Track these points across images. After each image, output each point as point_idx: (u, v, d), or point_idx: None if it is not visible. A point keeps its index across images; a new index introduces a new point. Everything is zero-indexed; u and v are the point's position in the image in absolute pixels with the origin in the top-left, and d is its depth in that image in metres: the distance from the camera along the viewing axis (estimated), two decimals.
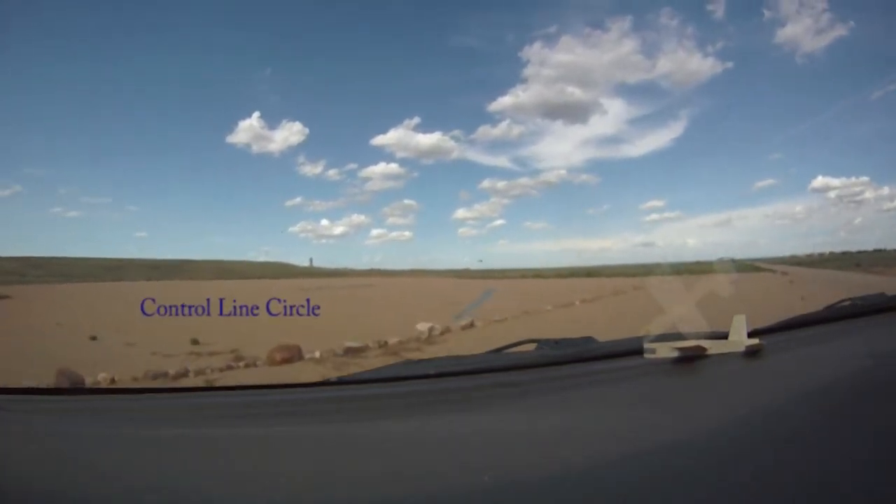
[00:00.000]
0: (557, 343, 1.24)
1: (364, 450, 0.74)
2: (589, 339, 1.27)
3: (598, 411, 0.86)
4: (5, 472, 0.67)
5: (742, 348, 0.99)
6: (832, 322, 1.26)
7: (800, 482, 0.57)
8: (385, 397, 1.00)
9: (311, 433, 0.82)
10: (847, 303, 1.34)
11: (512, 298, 15.60)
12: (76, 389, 1.10)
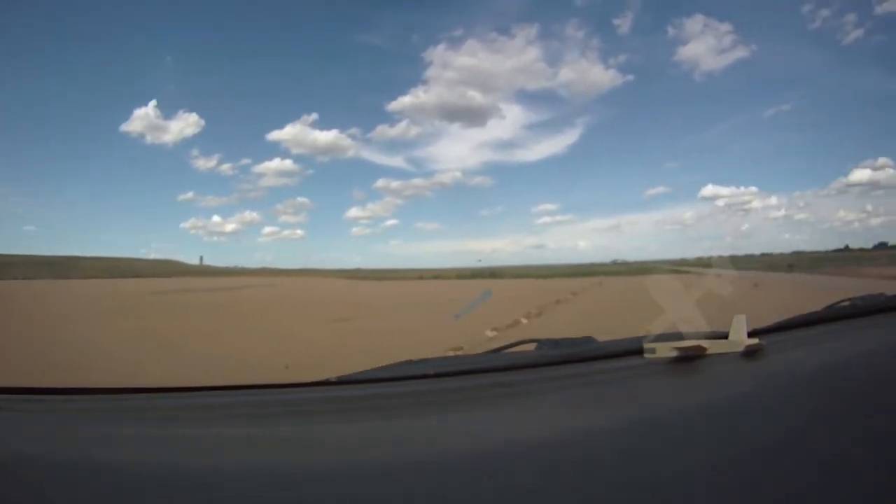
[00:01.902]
0: (557, 343, 1.24)
1: (364, 450, 0.74)
2: (589, 339, 1.27)
3: (598, 411, 0.86)
4: (5, 472, 0.67)
5: (742, 348, 0.99)
6: (832, 322, 1.26)
7: (800, 482, 0.57)
8: (385, 397, 1.00)
9: (311, 433, 0.82)
10: (847, 303, 1.34)
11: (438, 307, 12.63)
12: (76, 389, 1.10)
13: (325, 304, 14.60)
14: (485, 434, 0.78)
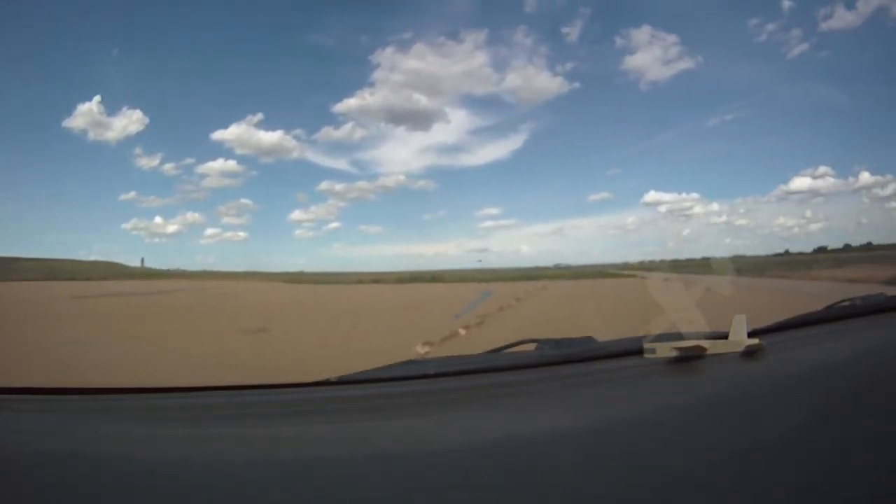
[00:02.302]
0: (557, 343, 1.24)
1: (364, 450, 0.74)
2: (589, 339, 1.27)
3: (598, 411, 0.86)
4: (5, 472, 0.67)
5: (742, 348, 0.99)
6: (832, 322, 1.26)
7: (800, 481, 0.57)
8: (385, 397, 1.00)
9: (311, 433, 0.82)
10: (847, 303, 1.34)
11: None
12: (76, 389, 1.09)
13: (246, 312, 13.27)
14: (485, 434, 0.78)
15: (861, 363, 0.92)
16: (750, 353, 0.99)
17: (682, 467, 0.62)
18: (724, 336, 1.04)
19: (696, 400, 0.88)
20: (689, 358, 0.99)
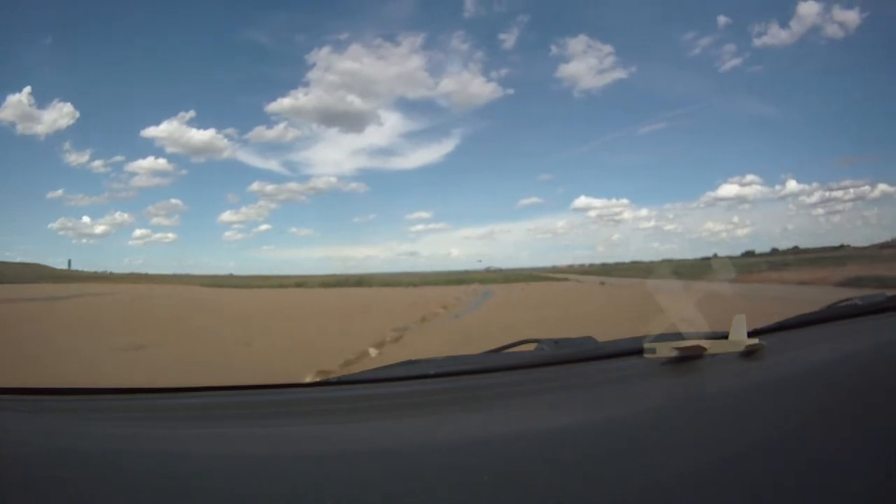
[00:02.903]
0: (557, 343, 1.23)
1: (364, 450, 0.74)
2: (589, 339, 1.27)
3: (598, 411, 0.86)
4: (5, 472, 0.67)
5: (742, 348, 0.99)
6: (832, 322, 1.26)
7: (800, 481, 0.57)
8: (385, 397, 1.00)
9: (311, 433, 0.82)
10: (847, 303, 1.34)
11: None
12: (76, 389, 1.09)
13: (134, 324, 11.41)
14: (485, 434, 0.78)
15: (861, 363, 0.92)
16: (750, 353, 0.99)
17: (682, 467, 0.62)
18: (724, 336, 1.04)
19: (696, 400, 0.88)
20: (689, 358, 0.99)
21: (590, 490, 0.59)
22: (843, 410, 0.72)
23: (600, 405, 0.88)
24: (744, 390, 0.88)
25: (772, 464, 0.60)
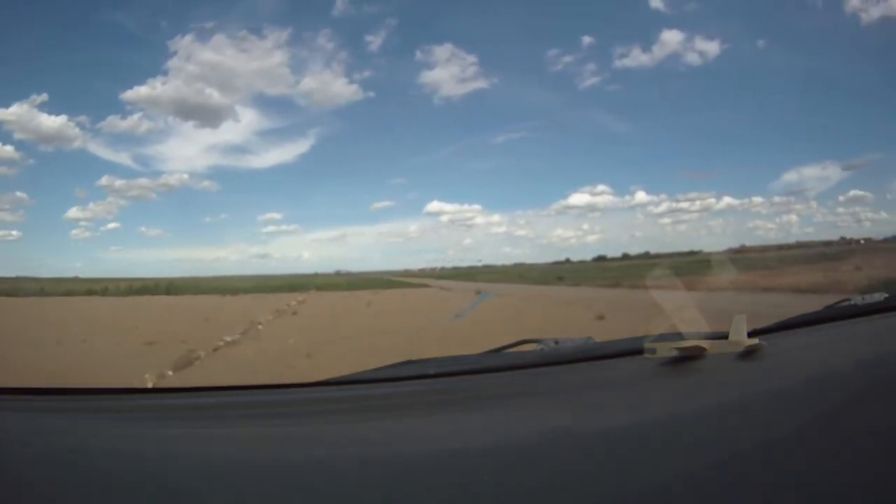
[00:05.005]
0: (557, 343, 1.23)
1: (364, 449, 0.74)
2: (589, 339, 1.27)
3: (598, 411, 0.86)
4: (5, 472, 0.67)
5: (742, 348, 0.99)
6: (832, 322, 1.26)
7: (800, 481, 0.57)
8: (385, 397, 1.00)
9: (311, 433, 0.82)
10: (847, 303, 1.34)
11: None
12: (76, 389, 1.10)
13: None
14: (485, 434, 0.78)
15: (861, 363, 0.92)
16: (750, 353, 0.99)
17: (682, 467, 0.62)
18: (724, 336, 1.04)
19: (696, 400, 0.88)
20: (689, 358, 0.99)
21: (590, 490, 0.59)
22: (843, 410, 0.73)
23: (600, 405, 0.88)
24: (744, 390, 0.88)
25: (772, 463, 0.60)
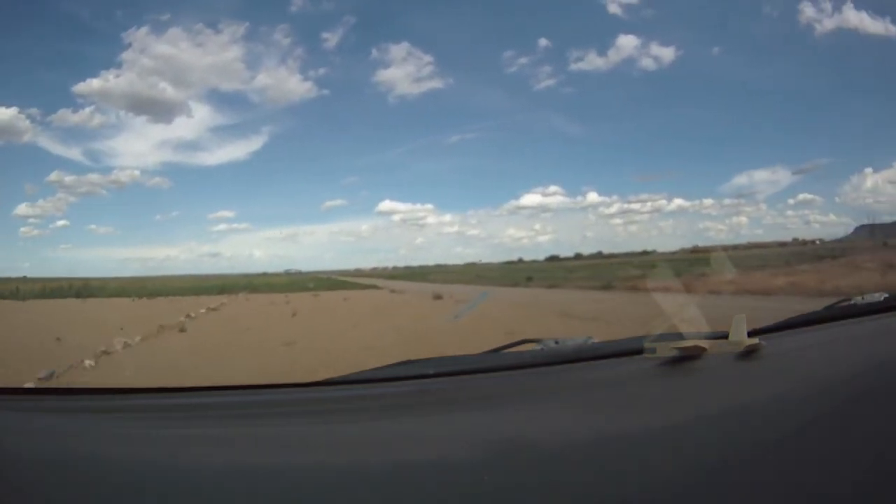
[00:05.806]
0: (557, 343, 1.23)
1: (364, 450, 0.74)
2: (589, 339, 1.27)
3: (598, 411, 0.86)
4: (5, 472, 0.67)
5: (742, 348, 0.99)
6: (832, 322, 1.26)
7: (800, 481, 0.57)
8: (385, 397, 1.00)
9: (311, 433, 0.82)
10: (847, 303, 1.34)
11: None
12: (76, 389, 1.10)
13: None
14: (484, 434, 0.78)
15: (861, 363, 0.92)
16: (750, 353, 0.99)
17: (682, 467, 0.62)
18: (724, 336, 1.04)
19: (696, 400, 0.88)
20: (689, 358, 0.99)
21: (590, 490, 0.59)
22: (843, 411, 0.73)
23: (600, 405, 0.88)
24: (744, 391, 0.88)
25: (772, 464, 0.60)
